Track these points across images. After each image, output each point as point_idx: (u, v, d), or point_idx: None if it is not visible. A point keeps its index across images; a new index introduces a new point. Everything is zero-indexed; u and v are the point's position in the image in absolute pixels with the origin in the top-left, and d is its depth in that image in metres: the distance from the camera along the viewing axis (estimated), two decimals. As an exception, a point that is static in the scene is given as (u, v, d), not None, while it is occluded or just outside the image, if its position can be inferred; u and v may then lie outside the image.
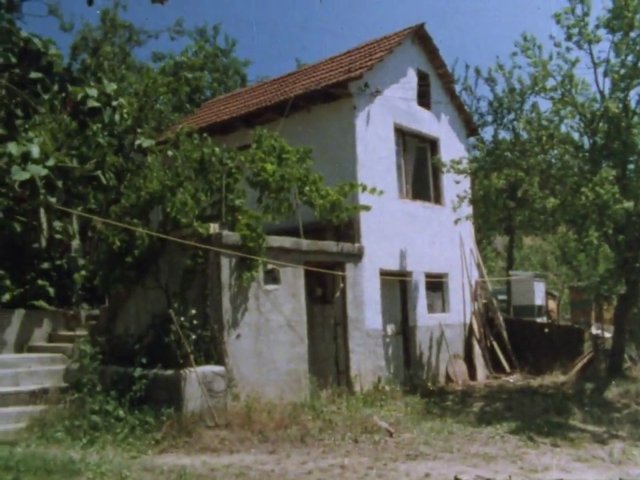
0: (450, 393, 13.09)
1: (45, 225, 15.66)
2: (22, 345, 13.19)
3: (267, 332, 10.50)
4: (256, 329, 10.35)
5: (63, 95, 4.42)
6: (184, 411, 8.98)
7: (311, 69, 16.31)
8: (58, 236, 14.40)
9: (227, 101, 18.64)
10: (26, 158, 3.34)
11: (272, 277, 10.82)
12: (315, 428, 8.91)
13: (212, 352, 9.74)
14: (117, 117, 4.39)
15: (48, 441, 8.71)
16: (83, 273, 12.04)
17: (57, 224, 12.61)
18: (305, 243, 11.51)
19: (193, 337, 9.55)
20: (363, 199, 12.51)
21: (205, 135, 10.89)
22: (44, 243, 15.32)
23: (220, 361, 9.72)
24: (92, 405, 9.41)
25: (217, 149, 10.48)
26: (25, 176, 3.20)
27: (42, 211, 15.30)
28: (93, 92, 4.25)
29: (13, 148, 3.29)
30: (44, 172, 3.30)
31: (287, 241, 11.13)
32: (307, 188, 11.55)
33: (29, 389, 10.36)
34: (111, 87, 4.33)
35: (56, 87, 4.12)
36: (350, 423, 9.31)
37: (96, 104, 4.20)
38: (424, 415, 10.46)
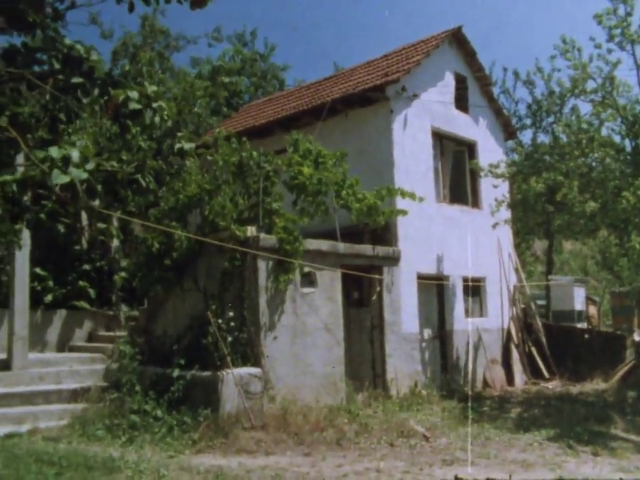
0: (487, 398, 12.97)
1: (86, 227, 16.01)
2: (63, 345, 13.48)
3: (303, 335, 10.54)
4: (292, 331, 10.40)
5: (105, 98, 4.50)
6: (221, 412, 9.06)
7: (348, 72, 16.34)
8: (100, 237, 14.69)
9: (264, 104, 18.78)
10: (66, 161, 3.42)
11: (309, 280, 10.86)
12: (351, 431, 8.91)
13: (249, 354, 9.81)
14: (157, 119, 4.46)
15: (89, 439, 8.88)
16: (123, 274, 12.24)
17: (99, 226, 12.84)
18: (342, 246, 11.53)
19: (230, 338, 9.63)
20: (400, 202, 12.48)
21: (243, 138, 10.99)
22: (85, 245, 15.64)
23: (257, 363, 9.78)
24: (131, 404, 9.57)
25: (254, 153, 10.58)
26: (66, 179, 3.27)
27: (83, 213, 15.63)
28: (134, 94, 4.32)
29: (54, 152, 3.37)
30: (84, 175, 3.36)
31: (323, 244, 11.16)
32: (344, 191, 11.57)
33: (71, 388, 10.59)
34: (152, 89, 4.41)
35: (97, 91, 4.19)
36: (386, 427, 9.29)
37: (137, 106, 4.26)
38: (460, 420, 10.36)
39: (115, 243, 15.41)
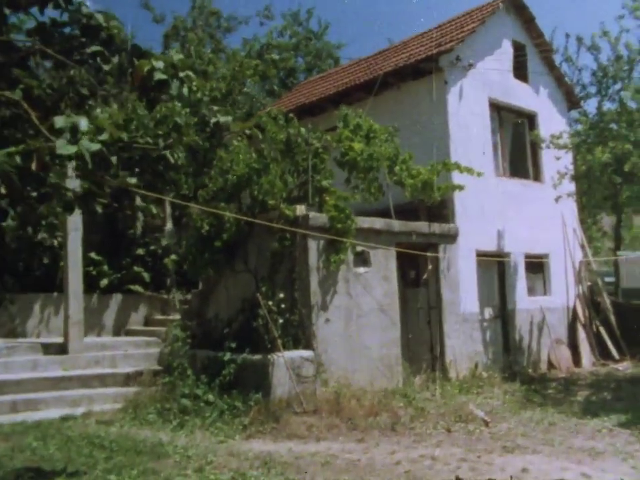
0: (552, 381, 12.37)
1: (140, 212, 16.06)
2: (119, 329, 13.58)
3: (357, 316, 10.22)
4: (346, 312, 10.09)
5: (130, 70, 4.26)
6: (272, 396, 8.86)
7: (401, 45, 15.78)
8: (155, 221, 14.71)
9: (317, 82, 18.40)
10: (75, 132, 3.22)
11: (362, 260, 10.51)
12: (406, 416, 8.55)
13: (300, 336, 9.57)
14: (185, 90, 4.20)
15: (140, 423, 8.83)
16: (173, 257, 12.16)
17: (143, 208, 12.74)
18: (397, 224, 11.12)
19: (281, 321, 9.40)
20: (457, 177, 11.95)
21: (290, 115, 10.65)
22: (139, 229, 15.69)
23: (308, 346, 9.53)
24: (182, 388, 9.47)
25: (302, 129, 10.25)
26: (72, 150, 3.06)
27: (138, 197, 15.67)
28: (160, 64, 4.07)
29: (59, 121, 3.16)
30: (95, 147, 3.15)
31: (377, 222, 10.78)
32: (397, 167, 11.14)
33: (125, 371, 10.61)
34: (177, 57, 4.14)
35: (117, 59, 3.96)
36: (443, 411, 8.89)
37: (162, 76, 4.01)
38: (523, 404, 9.86)
39: (169, 226, 15.41)
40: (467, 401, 9.67)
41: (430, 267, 11.51)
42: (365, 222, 10.50)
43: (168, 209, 15.41)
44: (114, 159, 3.76)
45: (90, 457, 7.09)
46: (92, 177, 5.26)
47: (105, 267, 13.40)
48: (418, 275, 12.32)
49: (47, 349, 11.23)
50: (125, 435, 8.09)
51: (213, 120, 5.60)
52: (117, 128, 4.21)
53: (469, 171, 11.57)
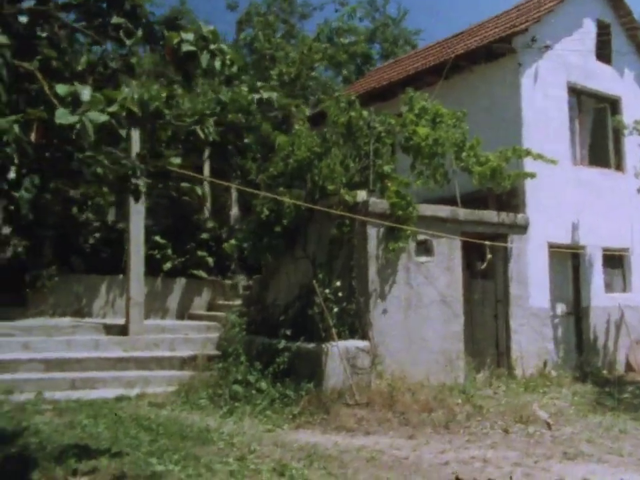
0: (629, 384, 11.54)
1: (208, 196, 16.14)
2: (183, 312, 13.68)
3: (417, 307, 9.82)
4: (405, 303, 9.71)
5: (162, 43, 4.08)
6: (324, 386, 8.61)
7: (476, 28, 15.11)
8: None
9: (389, 67, 17.95)
10: (76, 101, 3.05)
11: (424, 248, 10.09)
12: (463, 413, 8.11)
13: (356, 326, 9.27)
14: (217, 64, 3.98)
15: (192, 407, 8.77)
16: (233, 242, 12.08)
17: (187, 190, 12.72)
18: (462, 213, 10.62)
19: (336, 309, 9.13)
20: (529, 164, 11.31)
21: (352, 98, 10.29)
22: (207, 214, 15.78)
23: (365, 336, 9.22)
24: (235, 374, 9.37)
25: (364, 113, 9.89)
26: (72, 120, 2.89)
27: (206, 183, 15.75)
28: (189, 36, 3.87)
29: (60, 89, 3.00)
30: (103, 118, 2.97)
31: (441, 210, 10.32)
32: (464, 153, 10.63)
33: (183, 355, 10.61)
34: (207, 29, 3.93)
35: (140, 32, 3.77)
36: (503, 410, 8.39)
37: (191, 48, 3.81)
38: (593, 408, 9.20)
39: (235, 211, 15.41)
40: (531, 400, 9.11)
41: (489, 256, 10.80)
42: (428, 209, 10.08)
43: (234, 194, 15.42)
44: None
45: (135, 439, 7.05)
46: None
47: (169, 251, 13.50)
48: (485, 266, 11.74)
49: (109, 329, 11.39)
50: (174, 419, 8.04)
51: (256, 96, 5.29)
52: (141, 104, 4.01)
53: (541, 157, 10.92)
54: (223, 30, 20.96)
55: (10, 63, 3.39)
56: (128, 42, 3.71)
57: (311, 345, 9.06)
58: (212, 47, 4.11)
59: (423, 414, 8.05)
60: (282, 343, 9.43)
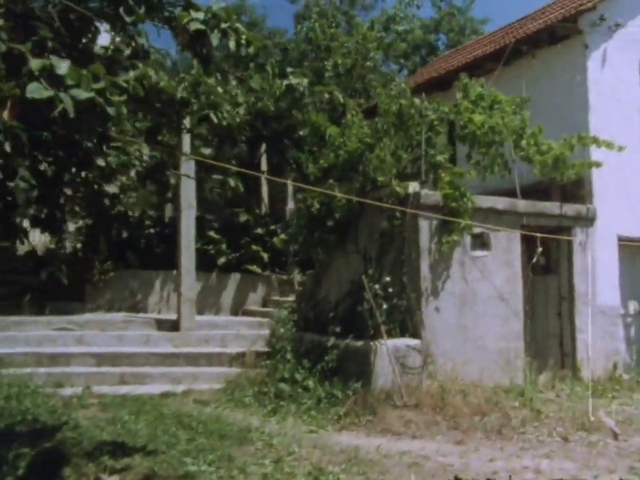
0: None
1: (265, 191, 15.99)
2: (237, 309, 13.54)
3: (472, 304, 9.31)
4: (460, 299, 9.22)
5: (173, 24, 3.84)
6: (372, 386, 8.24)
7: (540, 10, 14.34)
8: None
9: (450, 56, 17.33)
10: (52, 76, 2.83)
11: (481, 242, 9.57)
12: (518, 418, 7.56)
13: (407, 324, 8.85)
14: (231, 44, 3.72)
15: (236, 405, 8.57)
16: (282, 236, 11.83)
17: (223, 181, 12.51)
18: (522, 204, 10.02)
19: (385, 306, 8.73)
20: (597, 153, 10.57)
21: (402, 85, 9.85)
22: (264, 209, 15.62)
23: (416, 334, 8.79)
24: (282, 372, 9.12)
25: (415, 100, 9.44)
26: (46, 94, 2.66)
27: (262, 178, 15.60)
28: (199, 14, 3.62)
29: (34, 63, 2.78)
30: (85, 95, 2.74)
31: (499, 202, 9.76)
32: (524, 142, 10.01)
33: (232, 352, 10.44)
34: (218, 6, 3.67)
35: (142, 10, 3.53)
36: (564, 416, 7.79)
37: (200, 26, 3.55)
38: (668, 415, 8.49)
39: (290, 205, 15.19)
40: (597, 406, 8.44)
41: (539, 250, 10.04)
42: (485, 201, 9.54)
43: (290, 188, 15.19)
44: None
45: (173, 437, 6.89)
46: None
47: (223, 246, 13.38)
48: (548, 261, 11.07)
49: (161, 325, 11.36)
50: (216, 417, 7.85)
51: (285, 82, 5.02)
52: (150, 87, 3.76)
53: (609, 145, 10.16)
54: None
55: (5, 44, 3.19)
56: (127, 19, 3.46)
57: (360, 343, 8.71)
58: (223, 25, 3.82)
59: (475, 417, 7.56)
60: (331, 341, 9.11)
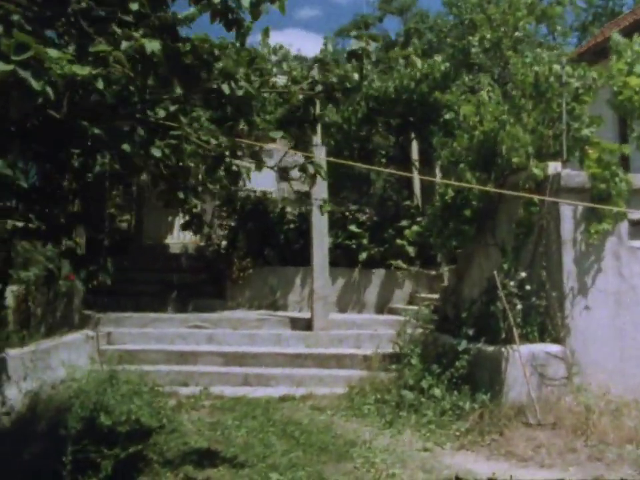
0: None
1: (417, 181, 15.13)
2: (382, 306, 12.82)
3: (632, 303, 7.75)
4: (615, 298, 7.72)
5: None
6: (502, 399, 7.13)
7: None
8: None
9: (624, 19, 15.19)
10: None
11: (641, 230, 8.00)
12: (684, 450, 6.08)
13: (547, 326, 7.59)
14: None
15: (354, 413, 7.90)
16: (415, 228, 10.90)
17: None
18: (698, 184, 8.23)
19: (519, 306, 7.55)
20: None
21: (537, 50, 8.50)
22: (415, 201, 14.79)
23: (558, 339, 7.49)
24: (408, 378, 8.27)
25: (555, 67, 8.07)
26: (5, 68, 2.28)
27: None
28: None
29: None
30: (6, 67, 2.32)
31: (666, 182, 8.10)
32: (702, 108, 8.22)
33: (365, 353, 9.79)
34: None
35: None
36: None
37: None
38: None
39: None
40: None
41: None
42: (645, 181, 7.95)
43: (439, 177, 14.20)
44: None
45: (268, 448, 6.45)
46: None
47: (365, 240, 12.72)
48: None
49: (295, 324, 11.02)
50: (325, 427, 7.27)
51: (348, 49, 4.29)
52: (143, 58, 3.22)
53: None
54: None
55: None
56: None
57: (490, 348, 7.62)
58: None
59: (627, 447, 6.17)
60: (462, 344, 8.10)
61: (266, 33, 6.57)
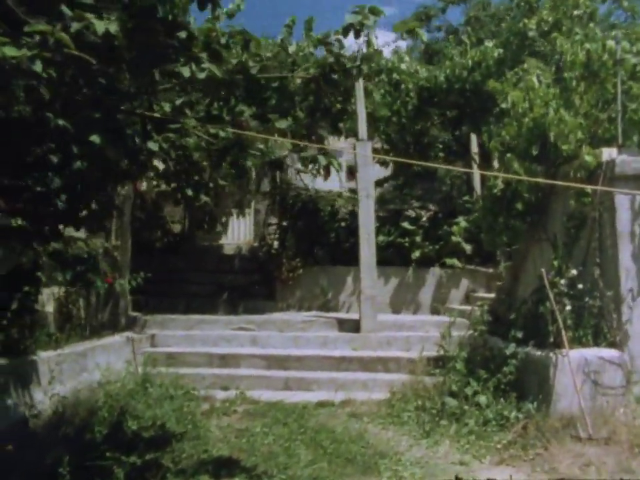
0: None
1: (477, 175, 14.45)
2: (438, 306, 12.24)
3: (701, 304, 6.99)
4: (681, 298, 6.97)
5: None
6: (551, 409, 6.52)
7: None
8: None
9: None
10: None
11: None
12: None
13: (602, 329, 6.90)
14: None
15: (392, 421, 7.43)
16: (463, 224, 10.28)
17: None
18: None
19: (569, 306, 6.90)
20: None
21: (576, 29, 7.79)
22: (475, 196, 14.13)
23: (614, 344, 6.80)
24: (451, 384, 7.74)
25: (609, 43, 7.34)
26: None
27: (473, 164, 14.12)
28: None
29: None
30: None
31: None
32: None
33: (412, 356, 9.29)
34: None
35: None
36: None
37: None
38: None
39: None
40: None
41: None
42: None
43: (495, 168, 13.50)
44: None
45: (291, 458, 6.11)
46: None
47: (418, 238, 12.19)
48: None
49: (342, 325, 10.63)
50: (359, 435, 6.85)
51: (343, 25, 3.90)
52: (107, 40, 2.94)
53: None
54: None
55: None
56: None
57: (538, 353, 7.01)
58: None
59: (690, 465, 5.49)
60: (510, 348, 7.50)
61: (309, 24, 6.22)
